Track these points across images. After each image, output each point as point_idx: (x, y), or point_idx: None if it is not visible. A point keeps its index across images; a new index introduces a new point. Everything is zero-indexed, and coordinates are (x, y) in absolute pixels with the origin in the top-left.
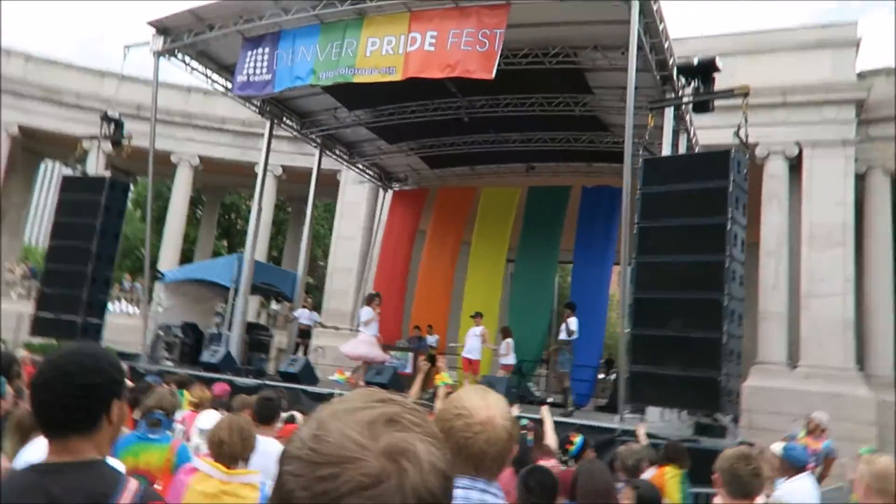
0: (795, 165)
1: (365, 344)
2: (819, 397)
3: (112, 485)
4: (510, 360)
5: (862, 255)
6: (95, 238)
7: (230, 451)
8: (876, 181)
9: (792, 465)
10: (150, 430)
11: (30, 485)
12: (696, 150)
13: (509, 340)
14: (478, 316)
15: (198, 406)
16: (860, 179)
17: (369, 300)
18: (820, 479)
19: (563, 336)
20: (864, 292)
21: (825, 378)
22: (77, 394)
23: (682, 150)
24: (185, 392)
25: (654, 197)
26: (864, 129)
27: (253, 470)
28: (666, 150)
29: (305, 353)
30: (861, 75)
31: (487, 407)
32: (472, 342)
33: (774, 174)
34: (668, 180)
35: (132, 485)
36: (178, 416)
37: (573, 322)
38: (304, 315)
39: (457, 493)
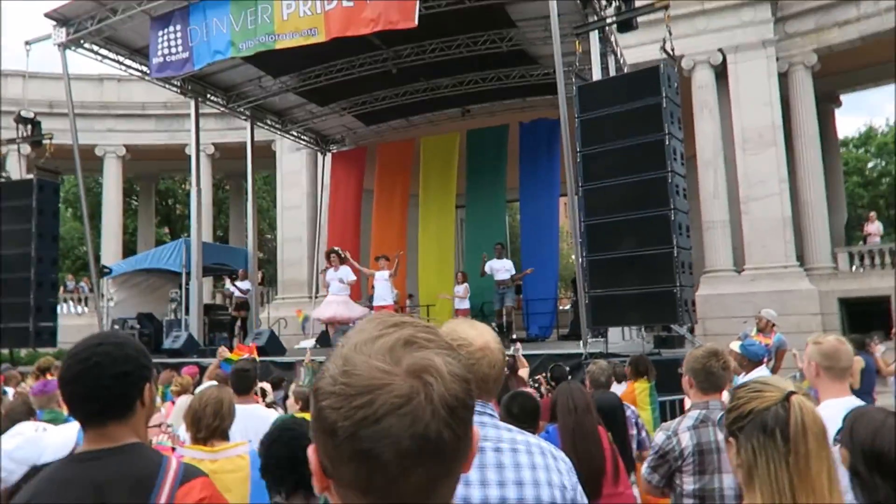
0: (721, 72)
1: (334, 304)
2: (765, 296)
3: (155, 466)
4: (465, 304)
5: (793, 154)
6: (33, 242)
7: (208, 426)
8: (798, 78)
9: (750, 360)
10: None
11: (71, 475)
12: (626, 71)
13: (466, 285)
14: (382, 259)
15: (181, 392)
16: (783, 78)
17: (326, 258)
18: (774, 371)
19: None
20: (798, 190)
21: (770, 277)
22: (109, 384)
23: (612, 72)
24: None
25: (592, 123)
26: (782, 27)
27: (239, 442)
28: (597, 75)
29: (243, 326)
30: None
31: (481, 335)
32: (381, 287)
33: (703, 84)
34: (603, 104)
35: (174, 464)
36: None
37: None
38: (235, 289)
39: None
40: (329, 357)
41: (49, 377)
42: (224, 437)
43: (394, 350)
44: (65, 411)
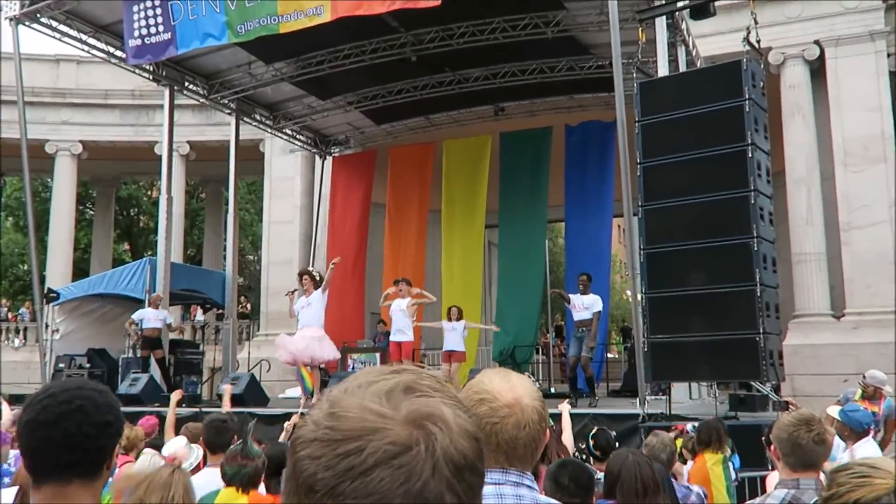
0: (818, 70)
1: (302, 339)
2: (871, 349)
3: None
4: (461, 346)
5: None
6: None
7: None
8: None
9: (853, 430)
10: None
11: None
12: (699, 65)
13: (464, 322)
14: (403, 283)
15: (128, 450)
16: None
17: (298, 279)
18: (883, 444)
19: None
20: None
21: (877, 325)
22: (91, 432)
23: (681, 66)
24: None
25: (656, 128)
26: (895, 16)
27: None
28: (663, 70)
29: (162, 366)
30: None
31: (512, 388)
32: (398, 318)
33: (794, 83)
34: (671, 106)
35: None
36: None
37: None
38: (149, 316)
39: (487, 489)
40: (314, 406)
41: None
42: None
43: (392, 394)
44: None
